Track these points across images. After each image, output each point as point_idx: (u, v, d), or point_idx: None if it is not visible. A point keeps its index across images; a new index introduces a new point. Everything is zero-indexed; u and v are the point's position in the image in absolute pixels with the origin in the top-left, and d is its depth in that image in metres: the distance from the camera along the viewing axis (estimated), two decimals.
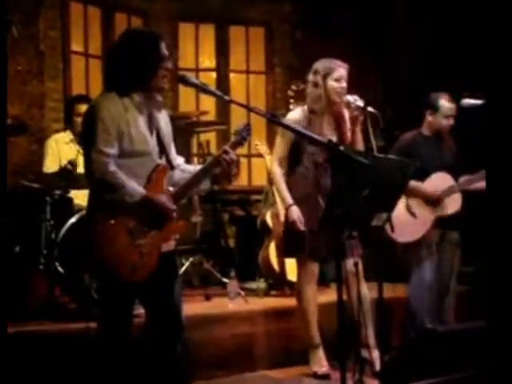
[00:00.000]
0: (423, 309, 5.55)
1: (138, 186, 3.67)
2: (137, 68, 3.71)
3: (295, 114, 5.08)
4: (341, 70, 4.97)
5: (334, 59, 5.02)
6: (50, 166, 5.79)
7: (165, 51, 3.77)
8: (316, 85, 4.99)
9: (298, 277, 5.16)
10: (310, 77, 5.05)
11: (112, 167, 3.61)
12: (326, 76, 4.95)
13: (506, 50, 3.26)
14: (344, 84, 4.95)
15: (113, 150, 3.64)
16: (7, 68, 3.70)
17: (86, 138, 3.73)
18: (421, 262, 5.56)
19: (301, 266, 5.12)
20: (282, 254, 5.35)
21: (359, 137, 4.97)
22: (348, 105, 4.84)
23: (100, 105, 3.69)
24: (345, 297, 3.97)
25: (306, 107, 5.09)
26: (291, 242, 5.09)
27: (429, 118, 5.60)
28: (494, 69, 3.33)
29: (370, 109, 4.65)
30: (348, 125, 5.05)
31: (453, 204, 5.50)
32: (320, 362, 5.08)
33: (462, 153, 5.64)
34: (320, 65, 5.01)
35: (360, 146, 4.94)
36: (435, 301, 5.62)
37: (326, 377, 5.01)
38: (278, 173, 5.06)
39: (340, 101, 4.93)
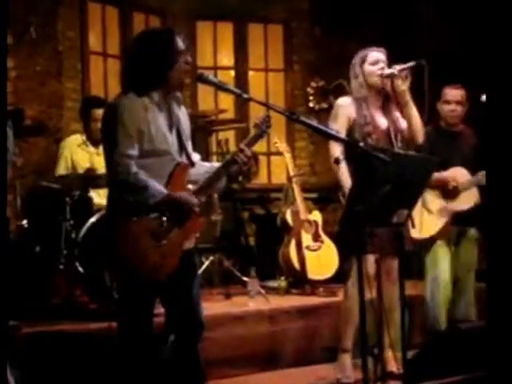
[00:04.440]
0: (439, 307, 5.52)
1: (160, 186, 3.66)
2: (153, 66, 3.70)
3: (346, 100, 4.91)
4: (375, 53, 4.88)
5: (368, 47, 4.94)
6: (60, 171, 5.81)
7: (179, 45, 3.73)
8: (356, 76, 4.89)
9: (351, 273, 4.84)
10: (351, 73, 4.94)
11: (134, 168, 3.60)
12: (362, 63, 4.87)
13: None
14: (381, 65, 4.82)
15: (134, 152, 3.63)
16: (6, 68, 3.70)
17: (107, 141, 3.73)
18: (436, 260, 5.54)
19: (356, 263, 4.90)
20: (341, 257, 5.17)
21: (409, 110, 4.81)
22: (392, 78, 4.77)
23: (119, 106, 3.67)
24: (369, 295, 3.93)
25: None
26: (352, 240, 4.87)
27: (438, 107, 5.62)
28: (495, 66, 3.32)
29: (410, 64, 4.66)
30: (397, 111, 4.90)
31: (469, 199, 5.46)
32: (345, 370, 4.90)
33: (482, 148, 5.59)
34: (355, 57, 4.94)
35: (415, 120, 4.82)
36: (452, 299, 5.58)
37: None
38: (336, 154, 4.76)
39: (380, 83, 4.82)
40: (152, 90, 3.72)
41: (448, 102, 5.56)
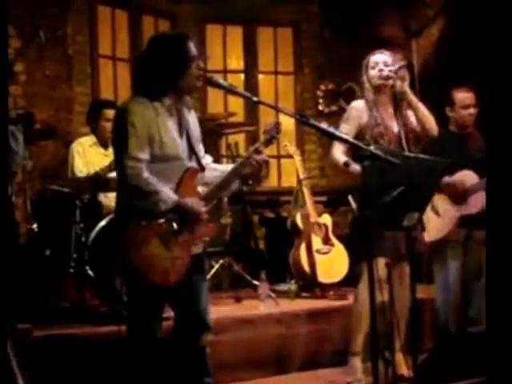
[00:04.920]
0: (448, 310, 5.51)
1: (171, 192, 3.66)
2: (165, 71, 3.69)
3: (359, 103, 5.00)
4: (374, 57, 4.98)
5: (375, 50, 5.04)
6: (81, 169, 5.79)
7: (192, 51, 3.73)
8: (363, 81, 5.00)
9: (361, 277, 4.80)
10: (360, 78, 5.05)
11: (145, 174, 3.60)
12: (366, 69, 4.98)
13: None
14: (380, 67, 4.91)
15: (145, 156, 3.62)
16: (8, 71, 3.69)
17: (118, 144, 3.73)
18: (445, 263, 5.52)
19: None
20: (352, 260, 5.14)
21: (416, 107, 4.90)
22: (392, 79, 4.88)
23: (131, 109, 3.66)
24: (380, 298, 3.91)
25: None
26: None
27: (449, 113, 5.62)
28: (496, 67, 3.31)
29: (398, 65, 4.84)
30: (408, 112, 4.96)
31: (477, 202, 5.43)
32: (355, 374, 4.89)
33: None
34: (363, 62, 5.03)
35: (423, 115, 4.89)
36: (463, 302, 5.56)
37: None
38: (342, 159, 4.80)
39: (382, 83, 4.91)
40: (164, 95, 3.72)
41: (466, 107, 5.56)
